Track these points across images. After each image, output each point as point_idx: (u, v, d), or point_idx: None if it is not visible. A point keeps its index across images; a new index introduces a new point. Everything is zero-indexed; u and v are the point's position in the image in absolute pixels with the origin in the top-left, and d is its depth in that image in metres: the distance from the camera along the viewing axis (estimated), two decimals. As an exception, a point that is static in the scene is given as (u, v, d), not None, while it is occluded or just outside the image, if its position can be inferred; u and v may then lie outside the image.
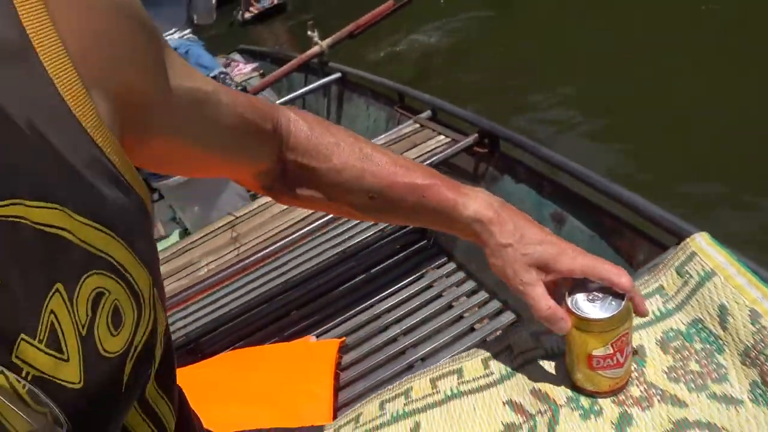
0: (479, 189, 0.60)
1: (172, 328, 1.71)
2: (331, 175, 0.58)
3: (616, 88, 3.42)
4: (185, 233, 2.32)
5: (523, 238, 0.56)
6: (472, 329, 1.21)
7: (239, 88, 3.11)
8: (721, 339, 0.58)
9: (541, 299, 0.55)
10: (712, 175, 2.40)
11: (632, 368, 0.59)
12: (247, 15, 11.26)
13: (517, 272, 0.56)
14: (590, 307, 0.53)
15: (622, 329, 0.52)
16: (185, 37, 2.52)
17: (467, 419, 0.61)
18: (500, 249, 0.57)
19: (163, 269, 1.47)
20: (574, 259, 0.55)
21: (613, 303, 0.53)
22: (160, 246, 2.18)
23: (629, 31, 3.96)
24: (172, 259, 1.56)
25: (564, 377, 0.59)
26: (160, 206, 3.04)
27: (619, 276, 0.53)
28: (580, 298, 0.54)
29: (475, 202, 0.57)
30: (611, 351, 0.53)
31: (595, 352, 0.53)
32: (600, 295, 0.54)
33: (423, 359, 1.21)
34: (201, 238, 1.59)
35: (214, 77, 3.06)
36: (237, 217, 1.56)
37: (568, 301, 0.54)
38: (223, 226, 1.57)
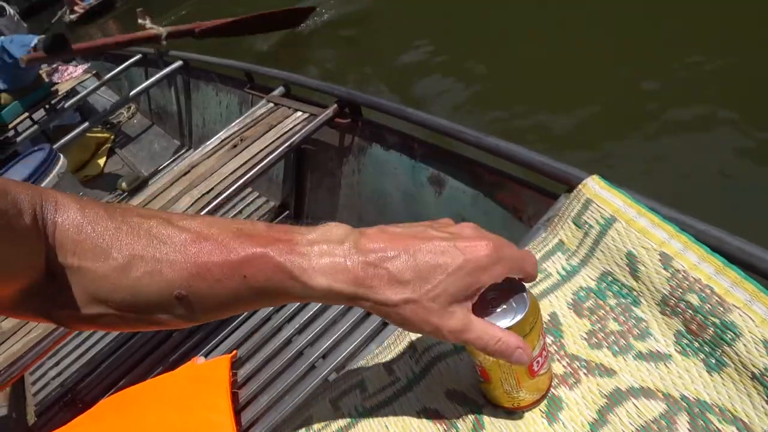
0: (326, 229, 0.43)
1: (42, 382, 1.52)
2: (113, 277, 0.40)
3: (473, 40, 3.44)
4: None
5: (418, 279, 0.40)
6: (368, 314, 1.13)
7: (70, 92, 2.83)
8: (635, 290, 0.53)
9: (484, 338, 0.41)
10: (588, 119, 2.44)
11: (550, 341, 0.53)
12: (72, 16, 10.67)
13: (439, 326, 0.41)
14: (504, 312, 0.43)
15: (539, 312, 0.44)
16: None
17: (381, 441, 0.53)
18: (395, 310, 0.40)
19: (9, 323, 1.28)
20: (499, 267, 0.41)
21: (515, 293, 0.44)
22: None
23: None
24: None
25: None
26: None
27: (534, 269, 0.44)
28: (487, 313, 0.43)
29: (324, 261, 0.40)
30: (543, 342, 0.45)
31: (533, 354, 0.44)
32: (495, 295, 0.44)
33: (324, 356, 1.12)
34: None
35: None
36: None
37: None
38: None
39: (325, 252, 0.41)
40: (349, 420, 0.55)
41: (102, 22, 10.31)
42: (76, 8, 10.73)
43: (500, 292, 0.44)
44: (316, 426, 0.56)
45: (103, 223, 0.41)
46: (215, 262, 0.40)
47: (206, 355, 1.28)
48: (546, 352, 0.46)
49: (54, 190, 0.43)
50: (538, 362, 0.45)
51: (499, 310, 0.43)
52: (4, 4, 4.21)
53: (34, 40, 2.78)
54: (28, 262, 0.40)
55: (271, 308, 1.27)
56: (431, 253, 0.40)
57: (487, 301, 0.44)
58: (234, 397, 1.12)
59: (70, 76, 3.23)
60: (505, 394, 0.47)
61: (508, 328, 0.42)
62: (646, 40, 2.65)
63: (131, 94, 2.51)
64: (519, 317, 0.42)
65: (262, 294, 0.42)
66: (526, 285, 0.44)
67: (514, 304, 0.43)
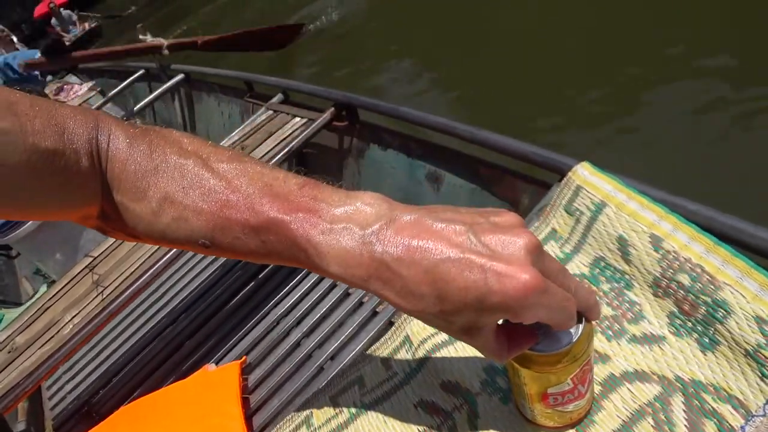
0: (357, 199, 0.40)
1: (59, 396, 1.54)
2: (147, 219, 0.41)
3: (458, 42, 3.47)
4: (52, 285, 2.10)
5: (434, 296, 0.35)
6: (375, 313, 1.13)
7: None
8: (627, 274, 0.53)
9: (491, 354, 0.38)
10: (577, 108, 2.44)
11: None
12: None
13: (446, 332, 0.39)
14: (543, 338, 0.39)
15: (584, 357, 0.39)
16: None
17: (380, 436, 0.53)
18: (404, 311, 0.38)
19: (23, 338, 1.29)
20: (531, 312, 0.35)
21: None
22: (24, 309, 1.95)
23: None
24: (33, 323, 1.36)
25: (472, 361, 0.52)
26: (21, 262, 2.76)
27: (569, 323, 0.38)
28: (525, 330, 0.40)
29: (342, 243, 0.37)
30: (571, 386, 0.41)
31: (551, 390, 0.41)
32: None
33: (332, 357, 1.12)
34: (61, 289, 1.41)
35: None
36: (95, 257, 1.38)
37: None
38: (82, 270, 1.39)
39: (345, 235, 0.38)
40: (348, 416, 0.56)
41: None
42: (62, 40, 11.05)
43: None
44: (316, 422, 0.57)
45: (143, 163, 0.41)
46: (237, 220, 0.40)
47: (217, 362, 1.28)
48: (575, 396, 0.42)
49: (110, 116, 0.44)
50: (555, 398, 0.42)
51: (540, 332, 0.39)
52: (15, 42, 4.45)
53: (37, 54, 2.82)
54: (85, 200, 0.42)
55: (279, 313, 1.27)
56: (455, 270, 0.34)
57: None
58: (245, 402, 1.12)
59: (76, 94, 3.27)
60: (518, 398, 0.45)
61: (546, 354, 0.38)
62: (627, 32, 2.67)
63: (136, 108, 2.54)
64: (562, 346, 0.38)
65: (278, 258, 0.41)
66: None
67: (556, 333, 0.39)
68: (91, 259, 1.39)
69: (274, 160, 1.28)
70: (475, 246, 0.35)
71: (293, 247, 0.39)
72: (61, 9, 11.18)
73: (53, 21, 11.09)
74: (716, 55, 2.27)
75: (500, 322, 0.39)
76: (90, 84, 3.38)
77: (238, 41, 2.81)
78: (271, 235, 0.40)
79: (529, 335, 0.39)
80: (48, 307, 1.36)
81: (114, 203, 0.42)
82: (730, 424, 0.41)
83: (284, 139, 1.32)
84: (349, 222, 0.38)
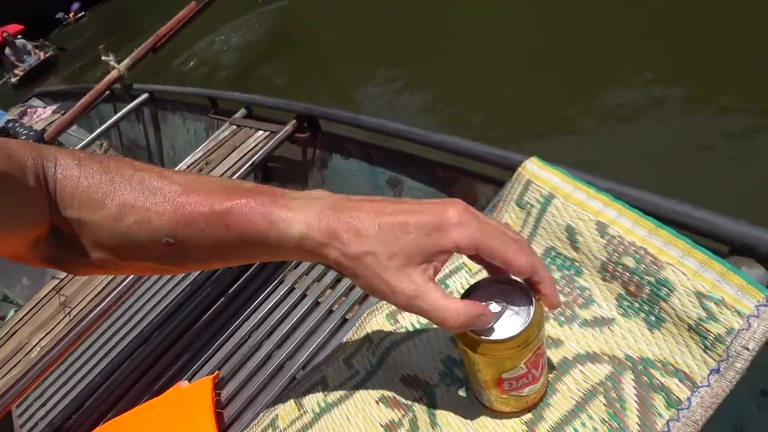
0: (309, 192, 0.46)
1: (31, 423, 1.50)
2: (108, 225, 0.43)
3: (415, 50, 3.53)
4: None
5: (381, 234, 0.41)
6: (344, 321, 1.13)
7: (37, 133, 2.86)
8: (577, 261, 0.54)
9: (442, 307, 0.40)
10: (529, 107, 2.49)
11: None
12: (14, 79, 11.00)
13: (393, 285, 0.41)
14: (497, 322, 0.41)
15: (536, 342, 0.41)
16: None
17: (344, 433, 0.53)
18: (356, 263, 0.41)
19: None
20: (461, 229, 0.40)
21: (519, 309, 0.41)
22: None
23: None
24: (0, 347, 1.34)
25: (430, 354, 0.53)
26: (-15, 289, 2.71)
27: (517, 255, 0.40)
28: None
29: (301, 213, 0.43)
30: (525, 370, 0.42)
31: (505, 375, 0.42)
32: (498, 302, 0.42)
33: (304, 367, 1.12)
34: (28, 312, 1.39)
35: (2, 130, 2.83)
36: (62, 279, 1.37)
37: None
38: (48, 293, 1.37)
39: (303, 205, 0.44)
40: (312, 416, 0.56)
41: (45, 79, 10.55)
42: (16, 71, 11.02)
43: (504, 294, 0.42)
44: (281, 425, 0.57)
45: (97, 177, 0.43)
46: (200, 213, 0.43)
47: (190, 379, 1.27)
48: (529, 380, 0.44)
49: (54, 147, 0.46)
50: (510, 383, 0.43)
51: (495, 310, 0.42)
52: None
53: (4, 116, 2.82)
54: (34, 219, 0.43)
55: (250, 327, 1.27)
56: (398, 212, 0.42)
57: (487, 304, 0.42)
58: (218, 417, 1.11)
59: (40, 117, 3.23)
60: (474, 385, 0.47)
61: (496, 341, 0.40)
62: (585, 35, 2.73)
63: (102, 129, 2.52)
64: (512, 332, 0.40)
65: (242, 242, 0.44)
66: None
67: (517, 310, 0.41)
68: (57, 281, 1.38)
69: (238, 173, 1.28)
70: (414, 203, 0.43)
71: (255, 219, 0.43)
72: (16, 39, 11.11)
73: (7, 50, 11.05)
74: (658, 57, 2.35)
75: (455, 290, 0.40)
76: (54, 107, 3.34)
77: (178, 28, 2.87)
78: (234, 216, 0.43)
79: (483, 308, 0.41)
80: (15, 332, 1.34)
81: (66, 221, 0.43)
82: (677, 397, 0.43)
83: (247, 152, 1.32)
84: (306, 197, 0.45)
